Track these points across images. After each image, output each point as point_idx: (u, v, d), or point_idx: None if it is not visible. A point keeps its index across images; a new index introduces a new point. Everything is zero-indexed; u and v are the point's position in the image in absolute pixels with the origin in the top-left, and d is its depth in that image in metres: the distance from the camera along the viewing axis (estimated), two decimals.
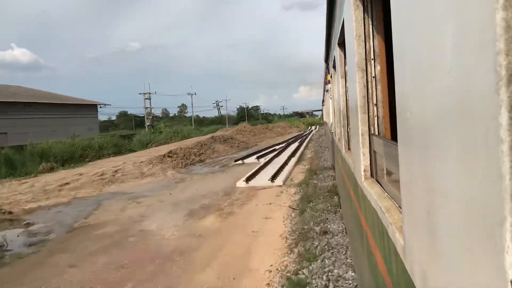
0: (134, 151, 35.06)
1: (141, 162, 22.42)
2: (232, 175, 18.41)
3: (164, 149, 29.73)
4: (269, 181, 15.24)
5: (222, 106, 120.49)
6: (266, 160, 22.64)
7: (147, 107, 70.97)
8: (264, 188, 14.46)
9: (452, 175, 0.90)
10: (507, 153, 0.63)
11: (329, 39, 8.01)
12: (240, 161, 24.02)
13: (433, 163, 1.04)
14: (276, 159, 22.93)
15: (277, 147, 32.73)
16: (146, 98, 71.00)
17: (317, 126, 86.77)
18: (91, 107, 51.30)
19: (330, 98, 11.11)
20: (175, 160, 23.75)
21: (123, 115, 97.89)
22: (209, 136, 40.20)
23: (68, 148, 29.37)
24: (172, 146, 31.21)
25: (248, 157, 25.30)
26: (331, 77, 8.97)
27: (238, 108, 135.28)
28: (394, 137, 2.22)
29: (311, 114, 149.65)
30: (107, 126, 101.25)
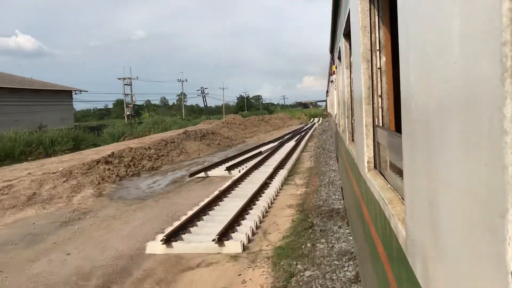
0: (99, 145, 29.16)
1: (55, 173, 14.56)
2: (173, 205, 11.25)
3: (119, 147, 21.86)
4: (214, 244, 7.39)
5: (207, 94, 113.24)
6: (242, 171, 15.27)
7: (127, 94, 63.60)
8: (202, 262, 6.98)
9: (455, 166, 0.90)
10: (511, 145, 0.63)
11: (334, 29, 7.95)
12: (201, 174, 15.91)
13: (437, 154, 1.04)
14: (255, 172, 15.56)
15: (266, 147, 25.21)
16: (125, 84, 63.28)
17: (320, 118, 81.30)
18: (65, 94, 44.93)
19: (335, 89, 11.07)
20: (112, 168, 16.04)
21: (120, 103, 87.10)
22: (182, 130, 31.12)
23: (6, 142, 23.52)
24: (145, 141, 24.72)
25: (214, 167, 17.01)
26: (336, 68, 8.92)
27: (238, 98, 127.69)
28: (398, 129, 2.21)
29: (315, 104, 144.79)
30: (103, 115, 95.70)
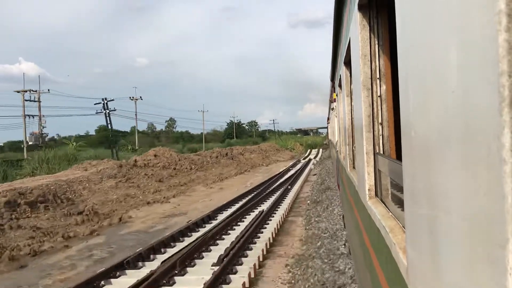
0: None
1: None
2: None
3: None
4: None
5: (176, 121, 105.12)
6: None
7: (31, 115, 42.12)
8: None
9: (455, 195, 0.89)
10: (510, 174, 0.63)
11: (335, 58, 8.06)
12: None
13: (437, 182, 1.04)
14: None
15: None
16: (28, 100, 42.12)
17: (320, 150, 61.20)
18: None
19: (336, 116, 11.13)
20: None
21: (103, 129, 73.71)
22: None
23: None
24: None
25: None
26: (336, 95, 9.00)
27: (228, 124, 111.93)
28: (399, 156, 2.21)
29: (316, 132, 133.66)
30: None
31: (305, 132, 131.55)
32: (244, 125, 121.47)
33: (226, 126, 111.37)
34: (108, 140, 54.94)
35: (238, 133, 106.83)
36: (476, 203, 0.76)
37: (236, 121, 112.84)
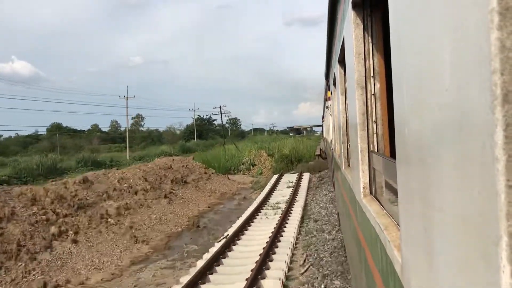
0: None
1: None
2: None
3: None
4: None
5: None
6: None
7: None
8: None
9: (449, 192, 0.90)
10: (502, 172, 0.63)
11: (329, 56, 8.07)
12: None
13: (430, 181, 1.04)
14: None
15: None
16: None
17: (308, 180, 22.89)
18: None
19: (330, 114, 11.15)
20: None
21: (56, 127, 62.76)
22: None
23: None
24: None
25: None
26: (331, 94, 9.01)
27: (196, 119, 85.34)
28: (393, 154, 2.22)
29: (310, 130, 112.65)
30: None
31: (298, 131, 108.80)
32: (227, 124, 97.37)
33: (196, 121, 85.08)
34: None
35: (205, 132, 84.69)
36: (470, 200, 0.77)
37: (205, 116, 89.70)
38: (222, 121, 56.73)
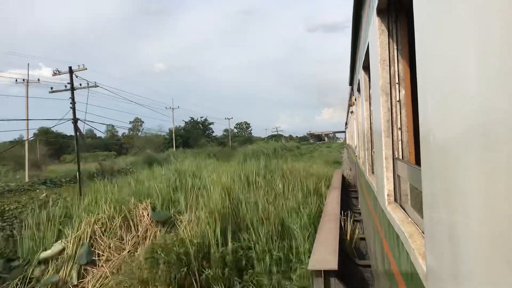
0: None
1: None
2: None
3: None
4: None
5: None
6: None
7: None
8: None
9: (475, 200, 0.89)
10: None
11: (354, 62, 8.03)
12: None
13: (456, 188, 1.04)
14: None
15: None
16: None
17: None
18: None
19: (354, 120, 11.06)
20: None
21: (44, 132, 50.74)
22: None
23: None
24: None
25: None
26: (355, 99, 8.95)
27: (187, 123, 75.70)
28: (418, 161, 2.20)
29: (332, 136, 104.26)
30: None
31: (319, 138, 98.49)
32: (235, 128, 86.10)
33: (186, 125, 74.60)
34: None
35: (196, 137, 71.10)
36: (496, 207, 0.76)
37: (200, 119, 78.48)
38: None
